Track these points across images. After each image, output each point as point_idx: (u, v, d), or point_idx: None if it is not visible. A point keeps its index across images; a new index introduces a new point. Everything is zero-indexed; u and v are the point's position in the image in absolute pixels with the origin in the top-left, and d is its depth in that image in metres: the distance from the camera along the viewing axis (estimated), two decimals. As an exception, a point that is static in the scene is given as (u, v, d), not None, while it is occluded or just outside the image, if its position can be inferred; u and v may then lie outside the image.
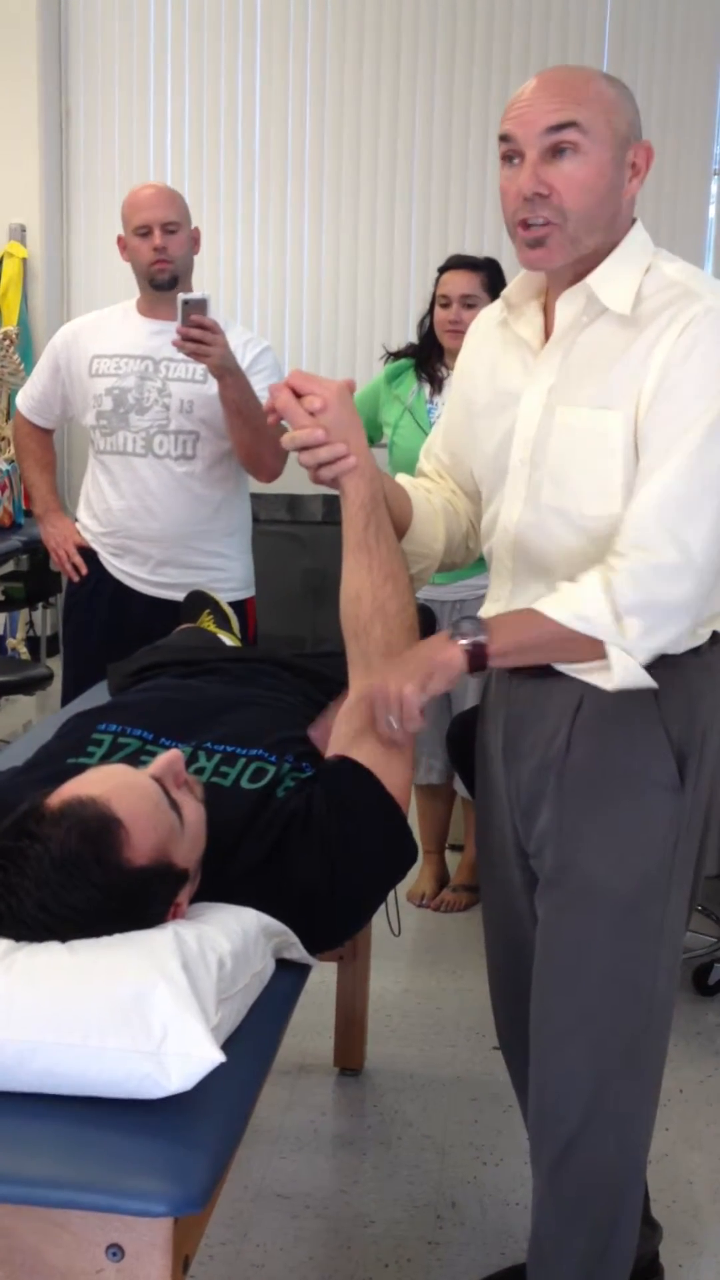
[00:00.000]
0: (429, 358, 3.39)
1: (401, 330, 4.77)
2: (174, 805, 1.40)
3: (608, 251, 1.61)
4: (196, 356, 2.75)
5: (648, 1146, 1.83)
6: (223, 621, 2.65)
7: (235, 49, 4.99)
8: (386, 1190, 2.37)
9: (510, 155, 1.58)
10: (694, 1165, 2.47)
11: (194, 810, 1.44)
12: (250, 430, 2.90)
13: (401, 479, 1.85)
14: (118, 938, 1.30)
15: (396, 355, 3.48)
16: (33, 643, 4.91)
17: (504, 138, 1.58)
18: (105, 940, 1.30)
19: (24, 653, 4.86)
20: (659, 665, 1.64)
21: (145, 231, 2.98)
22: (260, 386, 2.94)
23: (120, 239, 3.07)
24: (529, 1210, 1.90)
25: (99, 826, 1.31)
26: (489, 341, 1.79)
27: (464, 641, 1.58)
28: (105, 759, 1.66)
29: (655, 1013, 1.72)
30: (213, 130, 5.06)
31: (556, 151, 1.54)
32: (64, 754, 1.69)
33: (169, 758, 1.44)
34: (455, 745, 2.50)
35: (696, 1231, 2.28)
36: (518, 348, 1.72)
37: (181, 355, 2.80)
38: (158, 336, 2.99)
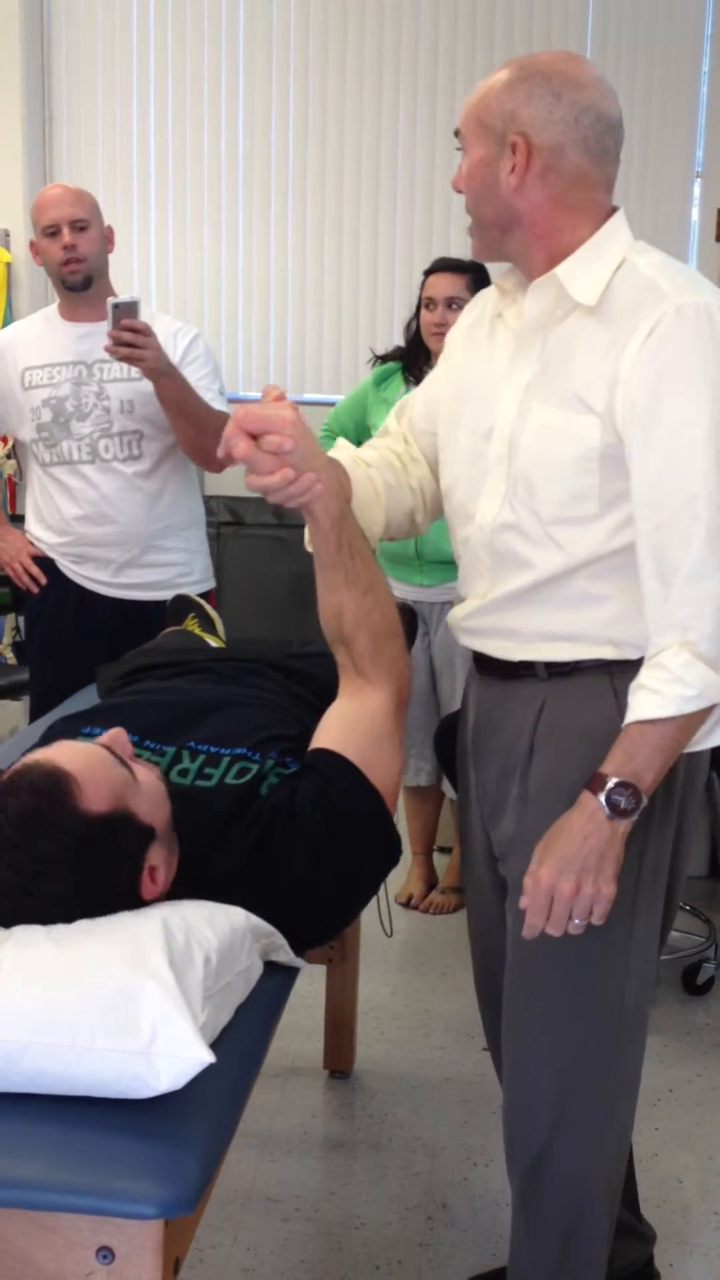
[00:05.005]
0: (416, 360, 3.39)
1: (388, 334, 4.77)
2: (123, 764, 1.45)
3: (580, 243, 1.57)
4: (130, 360, 2.72)
5: (623, 1159, 1.81)
6: (207, 625, 2.64)
7: (219, 55, 4.99)
8: (377, 1192, 2.37)
9: None
10: (683, 1165, 2.47)
11: (147, 772, 1.48)
12: (193, 425, 2.87)
13: (343, 453, 1.75)
14: (104, 927, 1.30)
15: (384, 359, 3.48)
16: (19, 648, 4.89)
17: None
18: (92, 931, 1.30)
19: (10, 658, 4.85)
20: (620, 671, 1.61)
21: (53, 231, 2.91)
22: (195, 376, 2.90)
23: (32, 244, 3.00)
24: (519, 1210, 1.90)
25: (49, 781, 1.38)
26: (482, 323, 1.74)
27: (623, 811, 1.52)
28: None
29: (624, 1022, 1.69)
30: (196, 135, 5.06)
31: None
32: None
33: (113, 732, 1.50)
34: (442, 746, 2.49)
35: (686, 1231, 2.28)
36: (504, 337, 1.68)
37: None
38: (86, 340, 2.94)
